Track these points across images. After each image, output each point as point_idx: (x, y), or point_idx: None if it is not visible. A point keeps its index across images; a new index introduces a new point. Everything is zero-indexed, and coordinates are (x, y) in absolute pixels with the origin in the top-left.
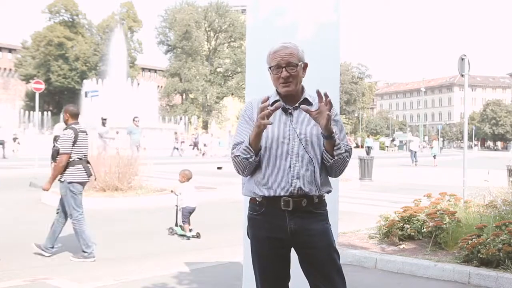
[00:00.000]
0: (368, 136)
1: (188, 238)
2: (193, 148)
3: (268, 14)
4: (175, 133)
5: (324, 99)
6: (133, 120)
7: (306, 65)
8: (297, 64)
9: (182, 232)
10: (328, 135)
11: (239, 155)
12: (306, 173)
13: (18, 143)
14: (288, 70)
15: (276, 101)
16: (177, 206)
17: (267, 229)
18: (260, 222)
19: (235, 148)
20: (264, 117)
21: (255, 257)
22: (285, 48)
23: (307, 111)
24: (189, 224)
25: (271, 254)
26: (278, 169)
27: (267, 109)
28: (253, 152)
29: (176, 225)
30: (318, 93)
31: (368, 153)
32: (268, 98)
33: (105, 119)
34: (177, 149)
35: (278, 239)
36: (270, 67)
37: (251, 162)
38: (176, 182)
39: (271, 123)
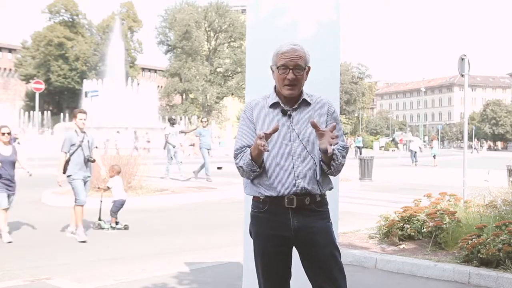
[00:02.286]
0: (358, 136)
1: (113, 228)
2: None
3: (268, 13)
4: (135, 132)
5: (331, 130)
6: (201, 121)
7: (309, 69)
8: (304, 68)
9: (107, 225)
10: (325, 153)
11: (242, 166)
12: (309, 172)
13: (18, 143)
14: (295, 72)
15: (276, 103)
16: (101, 201)
17: (270, 227)
18: (263, 220)
19: (237, 156)
20: (262, 146)
21: (258, 255)
22: (295, 50)
23: (315, 126)
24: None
25: (274, 252)
26: (282, 170)
27: (263, 143)
28: (256, 166)
29: (100, 219)
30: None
31: (359, 153)
32: (263, 135)
33: (174, 119)
34: (137, 149)
35: (281, 236)
36: (276, 66)
37: (256, 173)
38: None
39: (268, 151)
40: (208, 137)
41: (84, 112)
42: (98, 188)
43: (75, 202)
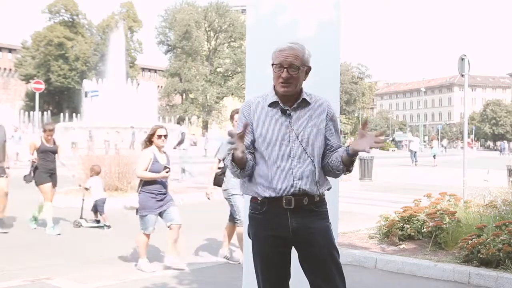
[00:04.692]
0: (345, 136)
1: (102, 227)
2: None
3: (268, 12)
4: (107, 133)
5: (379, 135)
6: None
7: (309, 69)
8: (299, 67)
9: (89, 224)
10: (354, 154)
11: (227, 165)
12: (308, 173)
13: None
14: (289, 71)
15: (275, 102)
16: (83, 199)
17: (268, 228)
18: (261, 221)
19: (228, 154)
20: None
21: (256, 256)
22: (291, 49)
23: (364, 125)
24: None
25: (272, 252)
26: (280, 170)
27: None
28: (237, 168)
29: (81, 217)
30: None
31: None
32: (235, 134)
33: (183, 120)
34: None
35: (280, 237)
36: (272, 64)
37: (238, 175)
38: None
39: (240, 156)
40: None
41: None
42: (80, 186)
43: (235, 222)
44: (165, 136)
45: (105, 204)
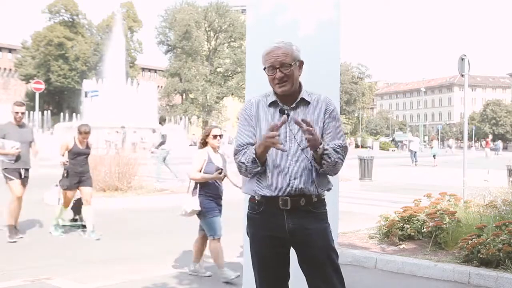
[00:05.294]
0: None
1: (79, 226)
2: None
3: (268, 11)
4: (108, 133)
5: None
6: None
7: (301, 63)
8: (291, 64)
9: (70, 223)
10: (315, 149)
11: (243, 162)
12: (304, 172)
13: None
14: (282, 70)
15: (274, 102)
16: (59, 199)
17: (266, 228)
18: (259, 221)
19: (239, 152)
20: (273, 139)
21: (254, 256)
22: (278, 48)
23: (298, 124)
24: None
25: (270, 253)
26: (277, 169)
27: (274, 134)
28: (259, 164)
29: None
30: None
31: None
32: (275, 126)
33: (164, 120)
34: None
35: (277, 237)
36: (264, 68)
37: (257, 171)
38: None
39: (282, 144)
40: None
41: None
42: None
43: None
44: (220, 136)
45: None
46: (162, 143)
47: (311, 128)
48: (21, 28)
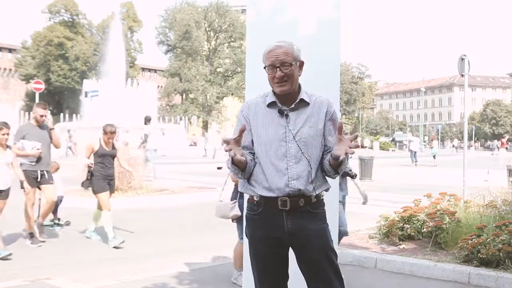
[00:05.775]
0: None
1: (56, 225)
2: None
3: (268, 11)
4: (68, 131)
5: (352, 140)
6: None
7: (302, 63)
8: (292, 64)
9: (50, 222)
10: (336, 159)
11: (229, 167)
12: (303, 173)
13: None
14: (282, 69)
15: (273, 102)
16: (40, 198)
17: (264, 229)
18: (258, 222)
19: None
20: (229, 151)
21: (253, 257)
22: (279, 47)
23: (339, 129)
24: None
25: (269, 253)
26: (276, 170)
27: (227, 149)
28: (238, 170)
29: (39, 216)
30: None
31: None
32: (229, 141)
33: (149, 120)
34: (70, 148)
35: (276, 238)
36: (264, 67)
37: (240, 176)
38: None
39: (242, 160)
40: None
41: None
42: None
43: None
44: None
45: (61, 202)
46: (143, 142)
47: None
48: (21, 28)
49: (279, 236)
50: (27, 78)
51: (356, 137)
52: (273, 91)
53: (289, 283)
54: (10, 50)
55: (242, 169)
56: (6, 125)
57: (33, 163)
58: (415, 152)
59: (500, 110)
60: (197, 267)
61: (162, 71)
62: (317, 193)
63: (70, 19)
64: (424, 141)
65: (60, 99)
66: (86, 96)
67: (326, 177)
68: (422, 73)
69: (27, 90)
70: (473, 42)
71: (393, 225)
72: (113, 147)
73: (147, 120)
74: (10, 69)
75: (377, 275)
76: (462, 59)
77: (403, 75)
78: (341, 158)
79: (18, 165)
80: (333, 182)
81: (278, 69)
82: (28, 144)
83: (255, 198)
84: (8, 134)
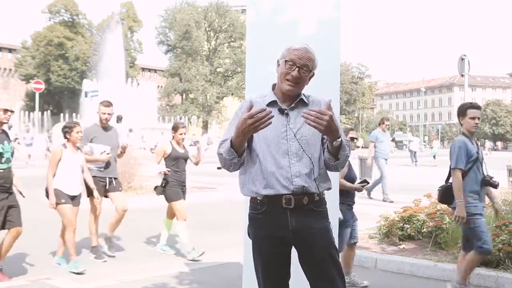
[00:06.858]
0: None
1: None
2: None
3: (268, 11)
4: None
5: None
6: (382, 122)
7: (313, 75)
8: (310, 70)
9: None
10: (333, 139)
11: (222, 154)
12: (305, 171)
13: (18, 143)
14: (300, 71)
15: (273, 101)
16: (24, 196)
17: (268, 228)
18: (261, 221)
19: (221, 145)
20: (255, 123)
21: (256, 256)
22: (307, 51)
23: (306, 117)
24: None
25: (272, 252)
26: (278, 168)
27: (261, 116)
28: (235, 154)
29: None
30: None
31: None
32: (252, 106)
33: (120, 119)
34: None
35: (279, 237)
36: (284, 60)
37: (235, 162)
38: None
39: (269, 124)
40: (387, 143)
41: None
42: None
43: (479, 250)
44: (357, 138)
45: None
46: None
47: (324, 115)
48: (21, 28)
49: (283, 234)
50: (27, 78)
51: (328, 107)
52: (273, 91)
53: (290, 282)
54: (10, 50)
55: (240, 154)
56: (78, 123)
57: (102, 169)
58: (415, 152)
59: (500, 110)
60: (197, 267)
61: (162, 71)
62: (319, 191)
63: (70, 19)
64: (424, 141)
65: (60, 99)
66: (86, 96)
67: (328, 171)
68: (422, 73)
69: (27, 90)
70: (473, 42)
71: (393, 225)
72: (184, 148)
73: (119, 119)
74: (10, 69)
75: (377, 275)
76: (462, 59)
77: (403, 75)
78: (306, 122)
79: (88, 170)
80: (335, 184)
81: (297, 68)
82: (97, 148)
83: (258, 198)
84: (81, 132)
